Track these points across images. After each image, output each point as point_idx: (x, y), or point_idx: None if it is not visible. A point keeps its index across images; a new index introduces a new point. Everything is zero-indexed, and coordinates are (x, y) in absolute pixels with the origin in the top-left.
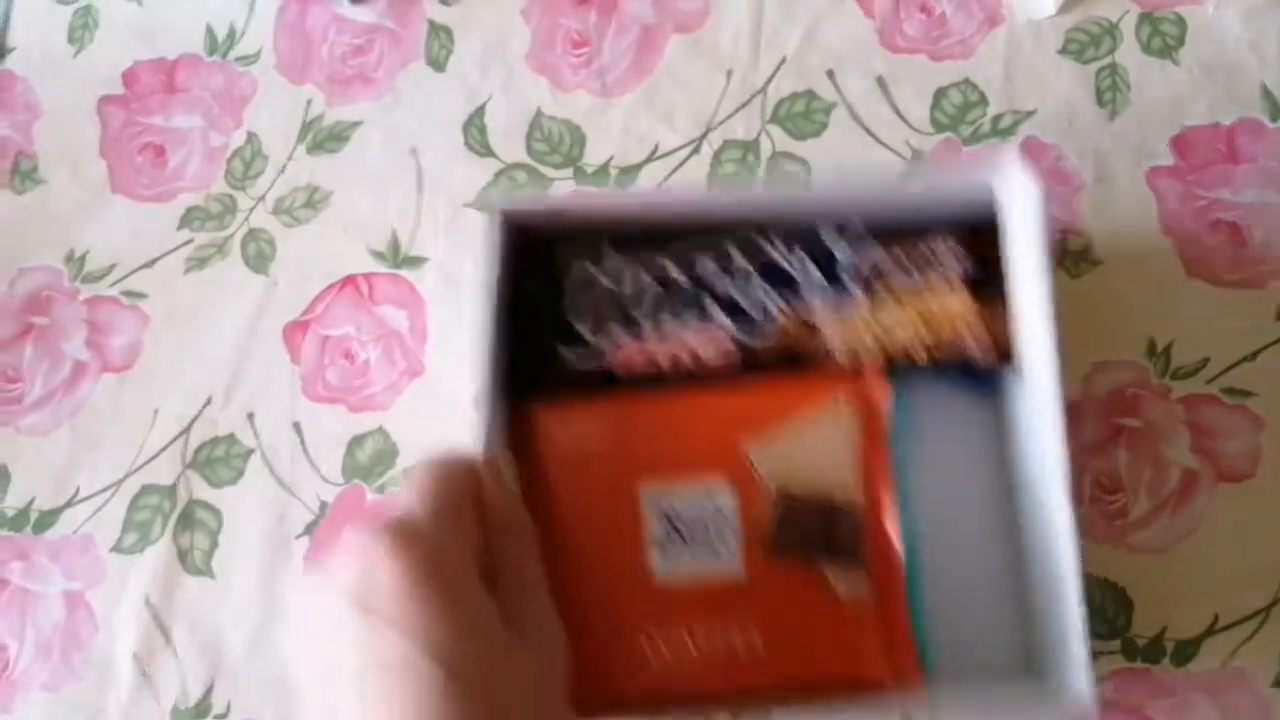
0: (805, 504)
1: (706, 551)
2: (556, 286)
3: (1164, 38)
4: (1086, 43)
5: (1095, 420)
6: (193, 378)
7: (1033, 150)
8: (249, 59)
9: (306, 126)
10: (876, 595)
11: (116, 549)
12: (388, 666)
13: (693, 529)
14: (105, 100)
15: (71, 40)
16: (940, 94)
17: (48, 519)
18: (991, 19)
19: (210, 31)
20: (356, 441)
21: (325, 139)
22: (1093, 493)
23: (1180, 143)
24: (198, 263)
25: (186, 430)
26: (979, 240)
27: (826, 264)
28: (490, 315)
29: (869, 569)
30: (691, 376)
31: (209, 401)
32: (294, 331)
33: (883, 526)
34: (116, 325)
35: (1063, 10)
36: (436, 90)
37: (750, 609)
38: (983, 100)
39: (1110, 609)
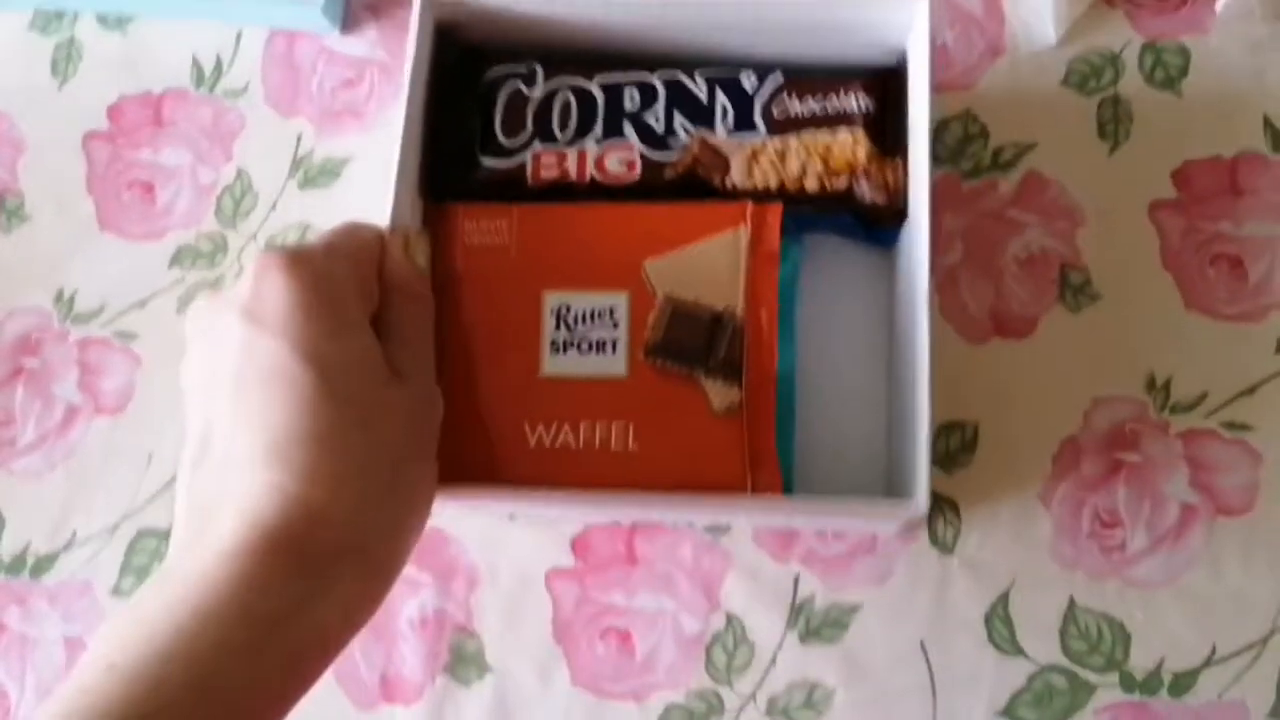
0: (690, 313)
1: (596, 353)
2: (486, 98)
3: (1167, 68)
4: (1088, 74)
5: (1095, 456)
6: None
7: (1034, 184)
8: (237, 92)
9: (297, 162)
10: (747, 408)
11: (115, 592)
12: (265, 371)
13: (586, 332)
14: (91, 135)
15: (55, 73)
16: (941, 126)
17: (45, 563)
18: (993, 49)
19: (196, 64)
20: None
21: (317, 174)
22: (1091, 527)
23: (1181, 176)
24: (189, 302)
25: None
26: (886, 91)
27: (740, 103)
28: (414, 113)
29: (742, 383)
30: (601, 190)
31: None
32: None
33: (761, 344)
34: (108, 367)
35: (1064, 41)
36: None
37: (629, 410)
38: (983, 133)
39: (1108, 642)
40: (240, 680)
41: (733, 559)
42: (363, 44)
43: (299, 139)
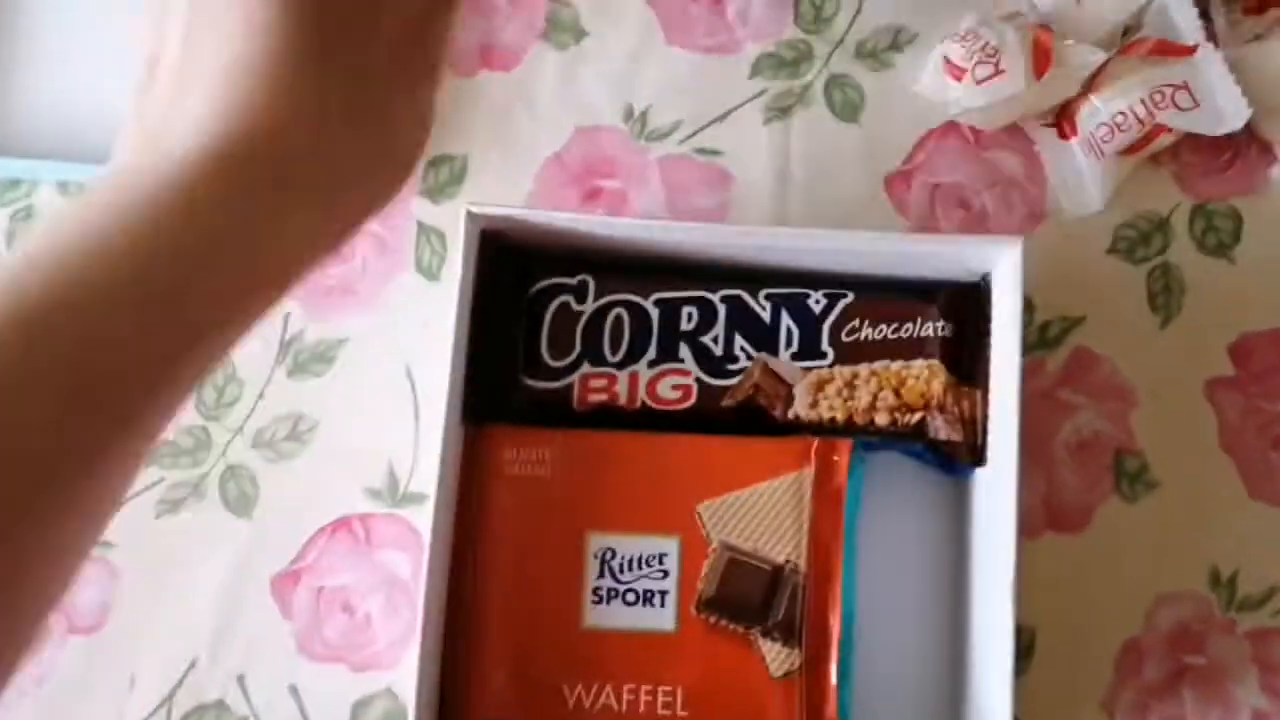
0: (748, 565)
1: (642, 605)
2: (533, 312)
3: (1218, 233)
4: (1136, 240)
5: (1158, 658)
6: (173, 638)
7: (1084, 362)
8: None
9: (285, 346)
10: (807, 674)
11: None
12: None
13: (632, 581)
14: None
15: (9, 245)
16: None
17: None
18: (1035, 214)
19: None
20: (362, 705)
21: (308, 360)
22: None
23: (1239, 350)
24: (171, 506)
25: (169, 698)
26: (965, 314)
27: (807, 327)
28: (460, 332)
29: (802, 645)
30: (652, 418)
31: (193, 665)
32: (284, 582)
33: (824, 599)
34: (82, 580)
35: (1110, 205)
36: (430, 302)
37: (678, 669)
38: (1029, 306)
39: None
40: (184, 286)
41: None
42: None
43: (286, 320)
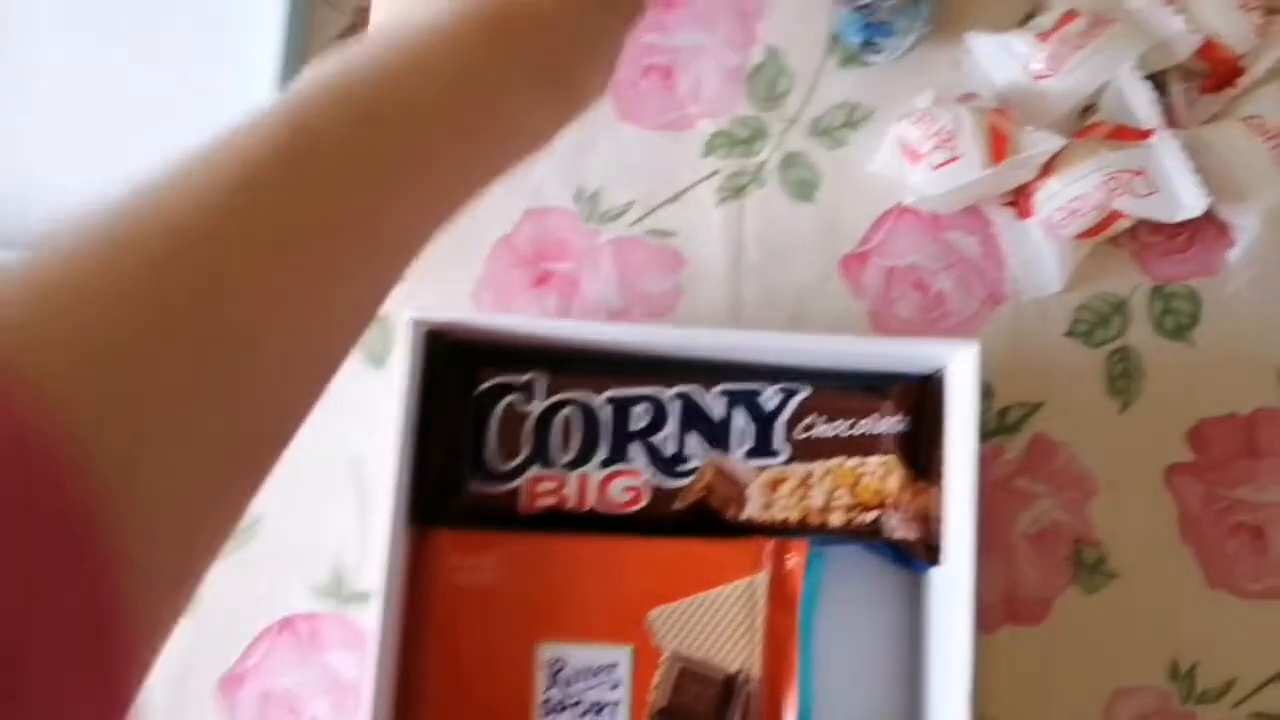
0: (700, 675)
1: (594, 717)
2: (479, 414)
3: (1177, 315)
4: (1095, 323)
5: None
6: None
7: (1043, 449)
8: None
9: None
10: None
11: None
12: None
13: (583, 692)
14: None
15: None
16: None
17: None
18: (994, 297)
19: None
20: None
21: None
22: None
23: (1198, 436)
24: None
25: None
26: (922, 408)
27: (761, 424)
28: (405, 434)
29: None
30: (603, 521)
31: None
32: (229, 685)
33: (777, 707)
34: None
35: (1070, 286)
36: (376, 389)
37: None
38: (988, 392)
39: None
40: (447, 133)
41: None
42: None
43: None
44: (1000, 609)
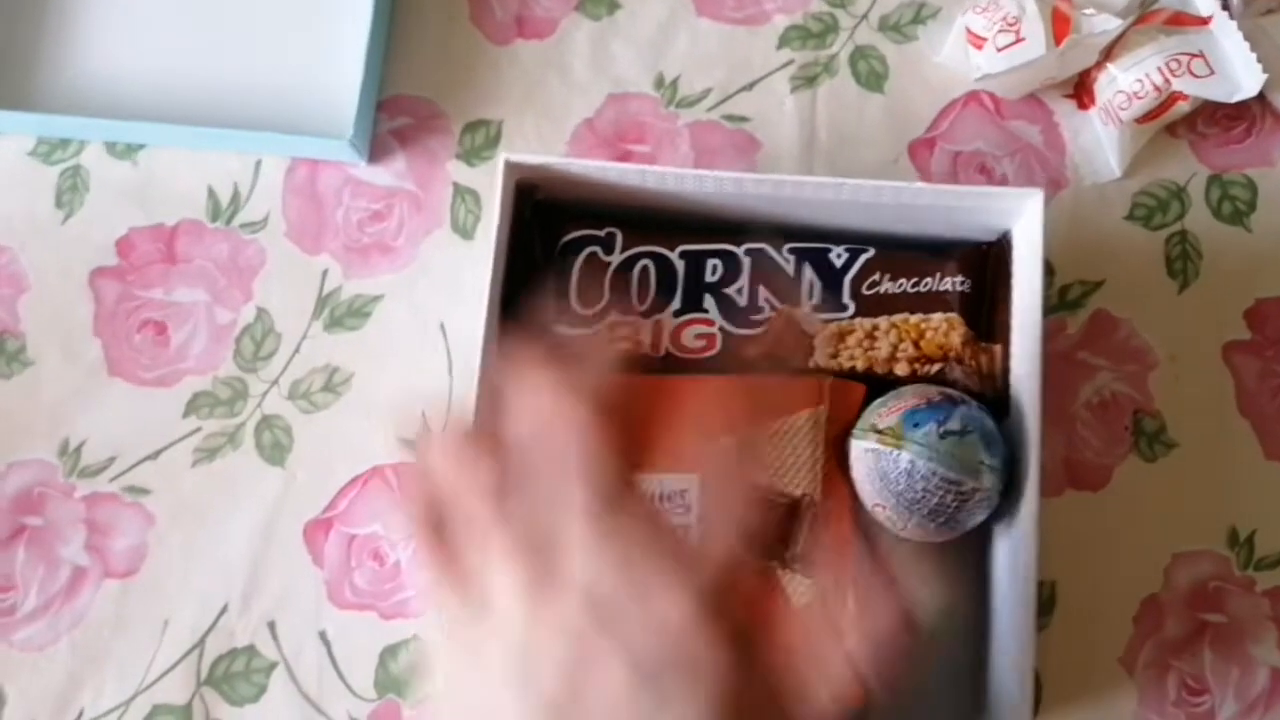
0: (767, 500)
1: None
2: (563, 264)
3: (1234, 202)
4: (1154, 208)
5: (1178, 616)
6: (205, 584)
7: (1103, 325)
8: (255, 225)
9: (322, 300)
10: (823, 598)
11: None
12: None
13: None
14: (98, 272)
15: (59, 205)
16: None
17: None
18: (1054, 181)
19: (212, 194)
20: (390, 652)
21: (344, 314)
22: (1178, 695)
23: (1255, 315)
24: (206, 454)
25: (201, 642)
26: (984, 272)
27: (829, 280)
28: (495, 279)
29: (819, 570)
30: (678, 365)
31: (224, 610)
32: (316, 530)
33: (839, 531)
34: (118, 525)
35: (1128, 173)
36: (464, 259)
37: None
38: (1049, 270)
39: None
40: None
41: None
42: (390, 174)
43: (324, 275)
44: (1062, 474)
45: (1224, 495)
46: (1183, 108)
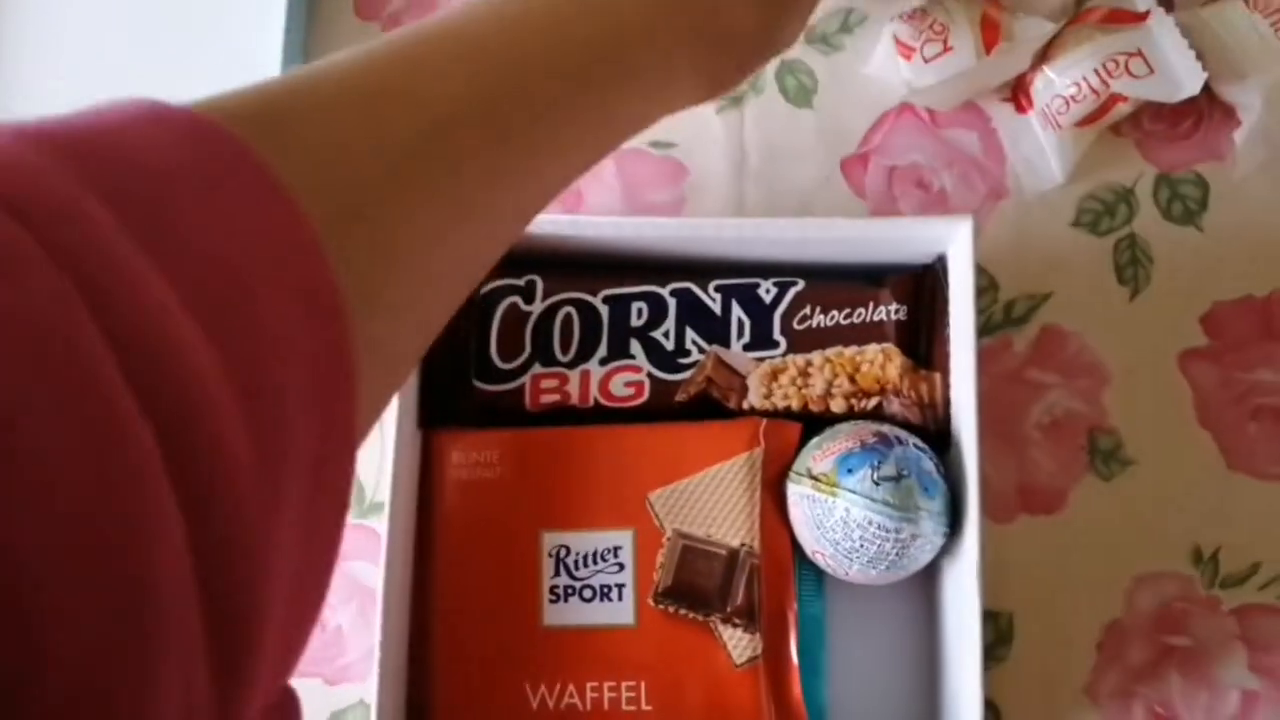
0: (703, 552)
1: (600, 600)
2: (481, 315)
3: (1184, 201)
4: (1101, 212)
5: (1142, 641)
6: None
7: (1052, 339)
8: None
9: None
10: (767, 658)
11: None
12: None
13: (589, 577)
14: None
15: None
16: None
17: None
18: (995, 192)
19: None
20: (337, 718)
21: None
22: None
23: (1211, 321)
24: None
25: None
26: (919, 297)
27: (758, 317)
28: None
29: (761, 627)
30: (607, 415)
31: None
32: None
33: (779, 581)
34: None
35: (1072, 178)
36: None
37: (639, 663)
38: (992, 285)
39: None
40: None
41: None
42: None
43: None
44: (1015, 499)
45: (1186, 512)
46: (1123, 109)
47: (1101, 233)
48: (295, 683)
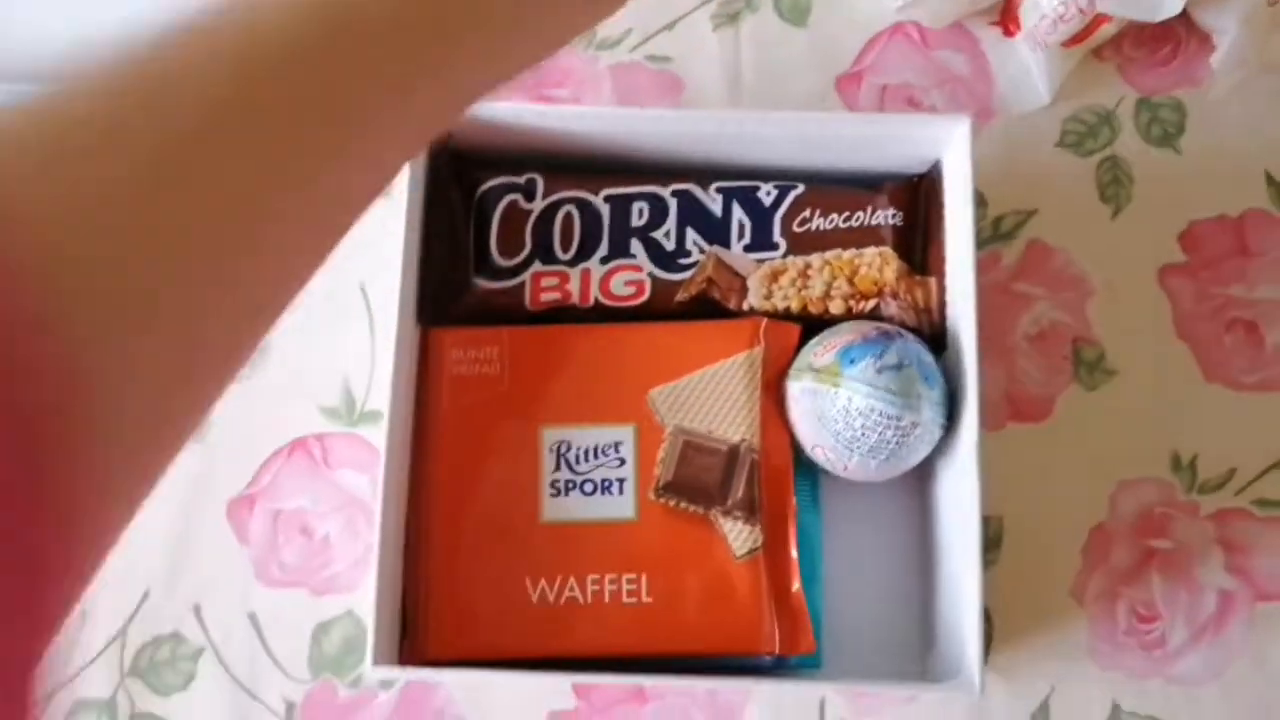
0: (703, 447)
1: (601, 494)
2: (481, 213)
3: (1163, 125)
4: (1084, 133)
5: (1125, 544)
6: (125, 568)
7: (1038, 254)
8: None
9: None
10: (767, 551)
11: None
12: None
13: (589, 471)
14: None
15: None
16: None
17: None
18: (983, 111)
19: None
20: (322, 629)
21: None
22: (1128, 623)
23: (1188, 238)
24: None
25: (123, 630)
26: (915, 203)
27: (759, 219)
28: (410, 237)
29: (761, 519)
30: (607, 314)
31: (146, 595)
32: (239, 507)
33: (779, 476)
34: None
35: (1057, 99)
36: (383, 219)
37: (640, 556)
38: (981, 201)
39: None
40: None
41: (752, 693)
42: None
43: None
44: (1004, 407)
45: (1166, 420)
46: (1108, 30)
47: (1085, 153)
48: (278, 594)
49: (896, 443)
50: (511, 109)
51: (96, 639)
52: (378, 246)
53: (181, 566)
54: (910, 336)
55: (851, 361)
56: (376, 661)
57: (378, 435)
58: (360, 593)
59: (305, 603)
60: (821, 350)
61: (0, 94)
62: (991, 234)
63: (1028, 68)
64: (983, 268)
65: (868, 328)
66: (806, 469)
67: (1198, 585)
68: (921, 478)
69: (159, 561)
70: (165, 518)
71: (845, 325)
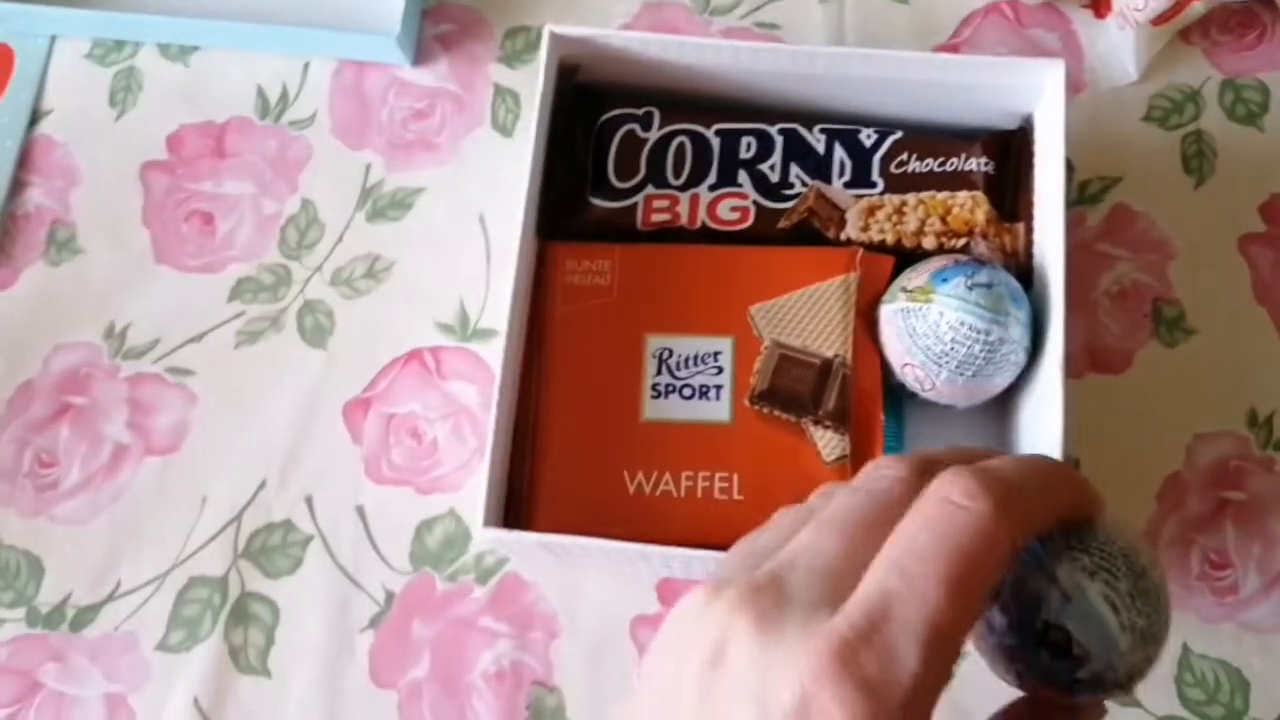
0: (798, 360)
1: (699, 399)
2: (601, 139)
3: (1247, 104)
4: (1170, 109)
5: (1200, 494)
6: (245, 460)
7: (1122, 217)
8: (303, 123)
9: (366, 193)
10: (854, 460)
11: (162, 647)
12: None
13: (688, 377)
14: (149, 165)
15: (113, 103)
16: None
17: (86, 615)
18: (1075, 84)
19: (261, 94)
20: (425, 526)
21: (386, 206)
22: (1201, 569)
23: (1269, 209)
24: (249, 337)
25: (238, 517)
26: (1006, 155)
27: (859, 158)
28: (537, 160)
29: (851, 432)
30: (712, 237)
31: (263, 485)
32: (355, 410)
33: (869, 389)
34: (160, 404)
35: (1144, 77)
36: (504, 156)
37: (734, 456)
38: (1068, 166)
39: (1226, 691)
40: None
41: None
42: (433, 76)
43: (368, 169)
44: (1084, 358)
45: (1242, 379)
46: (1197, 9)
47: (1170, 127)
48: (386, 491)
49: (984, 358)
50: (637, 37)
51: (214, 522)
52: (496, 182)
53: (297, 461)
54: (999, 265)
55: (944, 280)
56: (487, 523)
57: (488, 351)
58: (463, 493)
59: (411, 500)
60: (914, 275)
61: None
62: (1078, 196)
63: (1116, 46)
64: (1068, 227)
65: (960, 255)
66: (894, 402)
67: (1272, 537)
68: (1003, 411)
69: (277, 455)
70: (285, 415)
71: (938, 257)
